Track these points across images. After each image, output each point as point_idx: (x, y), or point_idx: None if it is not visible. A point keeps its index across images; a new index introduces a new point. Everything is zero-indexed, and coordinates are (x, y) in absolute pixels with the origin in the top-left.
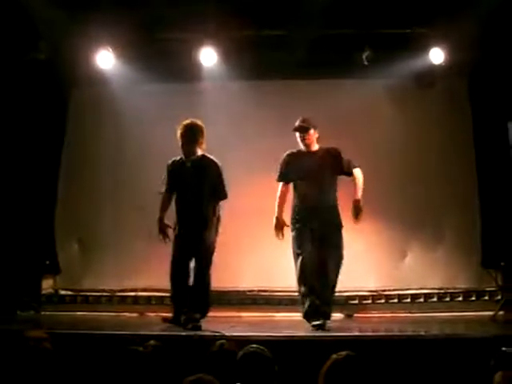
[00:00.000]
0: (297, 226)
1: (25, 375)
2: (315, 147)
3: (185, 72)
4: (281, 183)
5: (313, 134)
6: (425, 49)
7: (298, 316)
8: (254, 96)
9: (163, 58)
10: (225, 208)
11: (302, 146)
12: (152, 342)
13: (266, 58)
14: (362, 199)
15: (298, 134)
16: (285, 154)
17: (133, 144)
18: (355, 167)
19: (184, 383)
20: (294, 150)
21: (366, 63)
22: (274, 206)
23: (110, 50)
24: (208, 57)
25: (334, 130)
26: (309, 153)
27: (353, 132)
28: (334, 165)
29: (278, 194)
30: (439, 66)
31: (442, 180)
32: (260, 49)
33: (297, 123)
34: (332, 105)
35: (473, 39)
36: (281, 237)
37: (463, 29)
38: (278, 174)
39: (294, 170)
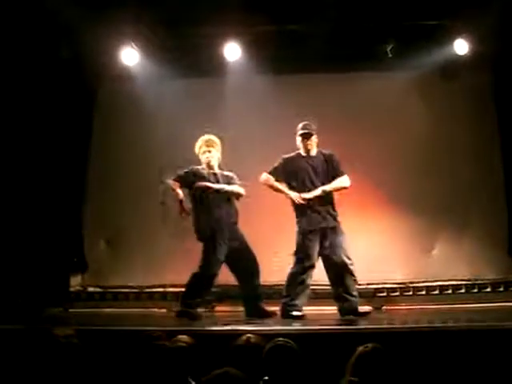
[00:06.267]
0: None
1: (54, 371)
2: (314, 152)
3: (209, 67)
4: (268, 176)
5: (314, 139)
6: (449, 40)
7: (324, 309)
8: (278, 90)
9: (187, 53)
10: (248, 202)
11: (301, 150)
12: (179, 337)
13: (290, 52)
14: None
15: (300, 138)
16: (282, 158)
17: (159, 140)
18: (343, 174)
19: (211, 376)
20: (292, 155)
21: (389, 55)
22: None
23: (135, 46)
24: (232, 51)
25: (359, 123)
26: (307, 157)
27: (377, 124)
28: (328, 170)
29: (266, 182)
30: (464, 57)
31: (468, 171)
32: (284, 43)
33: (301, 128)
34: (356, 98)
35: (498, 31)
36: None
37: (488, 20)
38: (271, 168)
39: (290, 173)
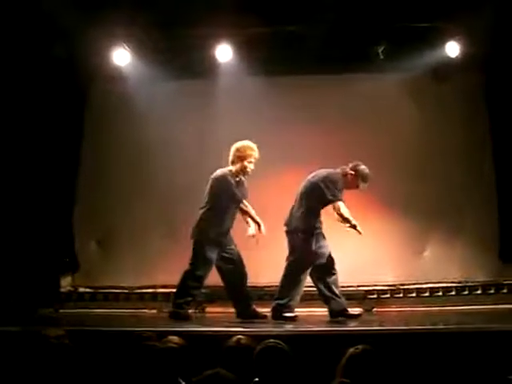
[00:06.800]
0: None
1: (45, 372)
2: None
3: (200, 68)
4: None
5: None
6: (441, 42)
7: (315, 311)
8: (270, 92)
9: (179, 54)
10: None
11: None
12: (170, 337)
13: (281, 53)
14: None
15: (360, 182)
16: (340, 180)
17: (150, 140)
18: None
19: (202, 377)
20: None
21: (381, 57)
22: (289, 201)
23: (127, 47)
24: (224, 53)
25: (351, 124)
26: None
27: (370, 125)
28: None
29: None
30: (456, 59)
31: (459, 173)
32: (276, 45)
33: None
34: (348, 99)
35: (490, 33)
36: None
37: (480, 22)
38: (338, 194)
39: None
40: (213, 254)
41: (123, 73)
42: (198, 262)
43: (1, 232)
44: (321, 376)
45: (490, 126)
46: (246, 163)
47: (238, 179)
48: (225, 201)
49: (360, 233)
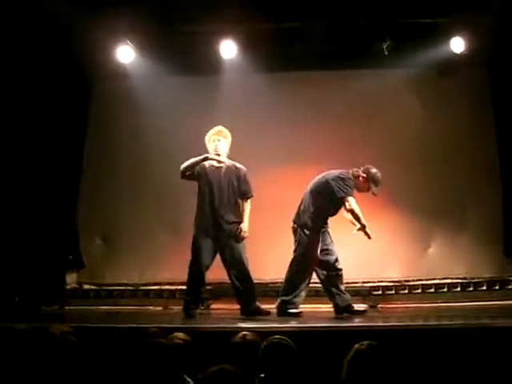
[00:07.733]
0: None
1: (50, 368)
2: None
3: (205, 64)
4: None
5: None
6: (445, 38)
7: (320, 307)
8: (274, 88)
9: (183, 50)
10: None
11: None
12: (175, 334)
13: (286, 50)
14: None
15: (373, 186)
16: (351, 179)
17: (154, 137)
18: None
19: (207, 374)
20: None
21: (386, 53)
22: (294, 198)
23: (130, 43)
24: (228, 49)
25: (355, 121)
26: None
27: (374, 122)
28: None
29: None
30: (460, 55)
31: (464, 169)
32: (280, 41)
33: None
34: (352, 96)
35: (494, 28)
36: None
37: (484, 18)
38: (350, 190)
39: None
40: (206, 245)
41: (127, 70)
42: (195, 254)
43: (6, 230)
44: (326, 372)
45: (495, 122)
46: (208, 146)
47: (220, 165)
48: (204, 187)
49: (369, 237)
